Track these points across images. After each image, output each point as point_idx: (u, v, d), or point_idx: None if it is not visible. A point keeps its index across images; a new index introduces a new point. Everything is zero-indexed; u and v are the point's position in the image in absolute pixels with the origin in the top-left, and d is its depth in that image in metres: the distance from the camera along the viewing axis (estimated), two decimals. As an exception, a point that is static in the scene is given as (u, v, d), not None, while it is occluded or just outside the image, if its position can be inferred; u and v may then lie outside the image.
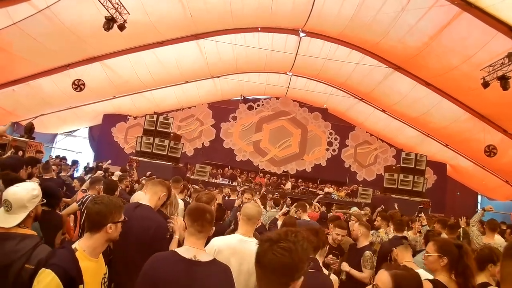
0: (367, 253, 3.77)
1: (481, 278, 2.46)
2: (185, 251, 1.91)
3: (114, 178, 6.12)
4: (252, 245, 2.52)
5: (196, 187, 8.57)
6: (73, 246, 1.83)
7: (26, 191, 2.03)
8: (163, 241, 2.55)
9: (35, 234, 2.05)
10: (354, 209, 8.23)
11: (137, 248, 2.45)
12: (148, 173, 8.63)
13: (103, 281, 1.94)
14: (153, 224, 2.55)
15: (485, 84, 9.01)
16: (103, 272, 1.96)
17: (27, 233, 2.00)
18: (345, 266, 3.69)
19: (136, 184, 7.26)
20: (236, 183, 14.57)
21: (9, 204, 1.95)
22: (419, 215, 5.95)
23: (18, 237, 1.91)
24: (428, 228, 5.33)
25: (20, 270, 1.83)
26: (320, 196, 9.46)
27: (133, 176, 8.47)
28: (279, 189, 14.49)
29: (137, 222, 2.53)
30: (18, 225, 1.97)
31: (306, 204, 5.66)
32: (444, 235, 4.96)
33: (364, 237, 3.96)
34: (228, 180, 14.87)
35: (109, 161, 10.78)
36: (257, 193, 9.16)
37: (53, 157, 12.68)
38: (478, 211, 5.42)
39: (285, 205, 6.00)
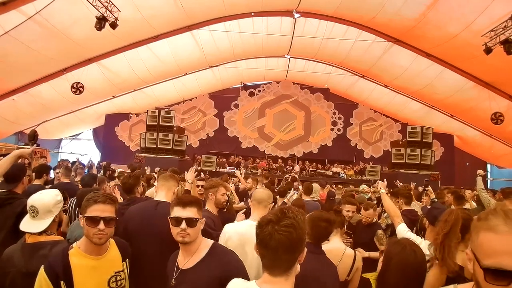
0: (380, 231, 3.72)
1: None
2: None
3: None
4: None
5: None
6: (74, 243, 1.88)
7: (51, 197, 2.09)
8: None
9: (63, 240, 2.13)
10: (363, 187, 8.21)
11: (161, 248, 2.30)
12: (157, 168, 8.63)
13: (113, 279, 1.89)
14: None
15: (488, 50, 8.82)
16: (113, 270, 1.91)
17: (56, 239, 2.07)
18: (363, 253, 3.48)
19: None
20: (244, 170, 14.55)
21: (35, 210, 2.00)
22: (426, 188, 5.80)
23: (49, 245, 1.98)
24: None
25: None
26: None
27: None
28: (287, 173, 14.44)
29: (160, 220, 2.29)
30: (46, 233, 2.03)
31: (313, 186, 5.69)
32: (453, 207, 4.87)
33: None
34: (235, 168, 14.87)
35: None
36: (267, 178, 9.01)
37: (71, 161, 12.60)
38: (477, 179, 5.33)
39: (292, 188, 5.96)
